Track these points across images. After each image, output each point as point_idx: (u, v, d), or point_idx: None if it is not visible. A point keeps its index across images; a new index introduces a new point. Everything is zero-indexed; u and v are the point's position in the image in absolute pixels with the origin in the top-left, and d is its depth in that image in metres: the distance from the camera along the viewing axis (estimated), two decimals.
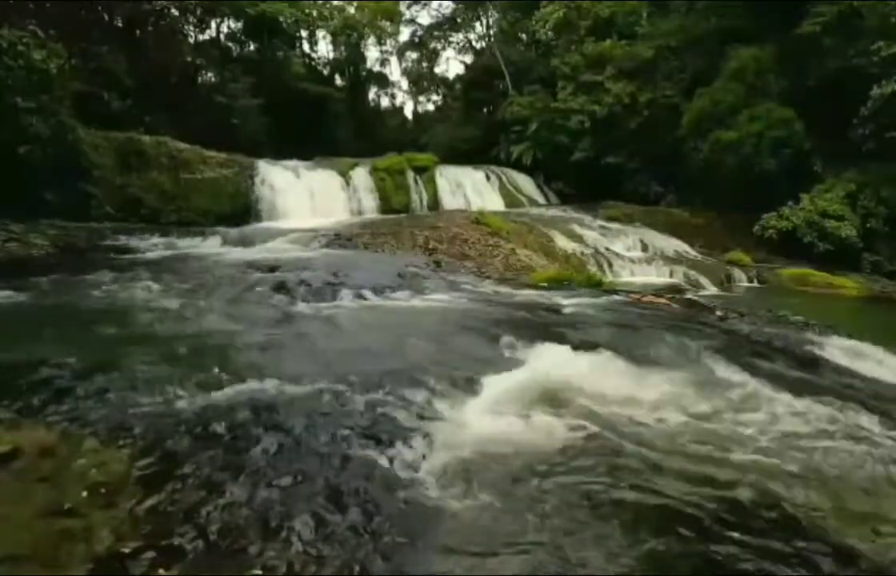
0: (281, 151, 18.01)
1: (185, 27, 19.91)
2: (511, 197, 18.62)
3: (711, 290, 11.16)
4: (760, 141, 14.72)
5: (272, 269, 7.32)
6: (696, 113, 16.47)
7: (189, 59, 19.94)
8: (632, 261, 12.39)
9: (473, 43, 32.31)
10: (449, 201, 17.13)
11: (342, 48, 30.51)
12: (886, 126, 12.94)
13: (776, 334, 5.41)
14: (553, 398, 3.17)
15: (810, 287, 11.64)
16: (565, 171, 20.33)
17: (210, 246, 9.82)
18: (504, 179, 19.43)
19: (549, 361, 3.81)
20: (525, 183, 20.16)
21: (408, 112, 36.02)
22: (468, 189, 17.81)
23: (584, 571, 1.86)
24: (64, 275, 6.32)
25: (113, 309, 5.03)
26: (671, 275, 11.76)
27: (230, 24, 24.45)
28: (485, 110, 26.51)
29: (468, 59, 31.47)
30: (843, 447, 2.87)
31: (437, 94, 35.38)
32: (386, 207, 15.91)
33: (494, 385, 3.36)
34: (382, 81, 34.12)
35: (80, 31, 13.51)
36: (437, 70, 34.99)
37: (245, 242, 10.13)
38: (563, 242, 12.38)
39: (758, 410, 3.24)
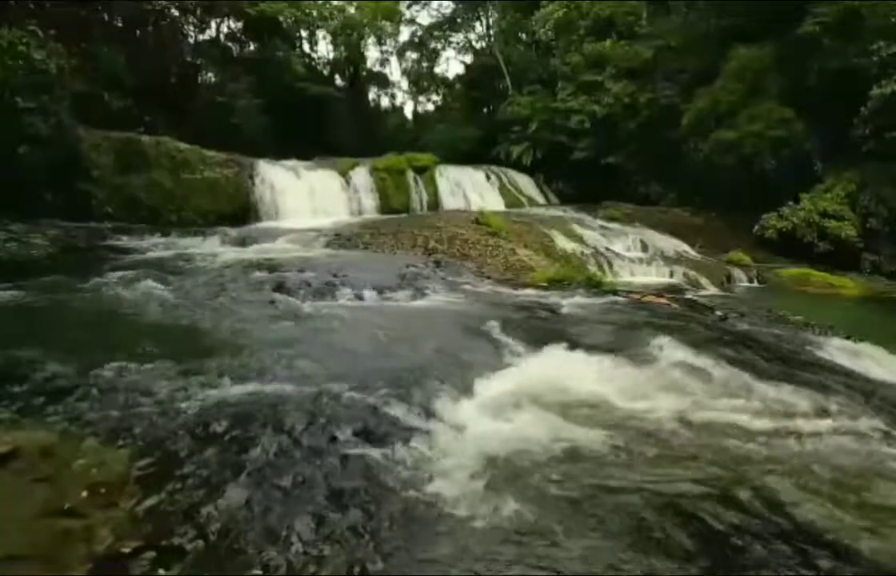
0: (281, 150, 17.99)
1: (185, 27, 19.92)
2: (511, 197, 18.61)
3: (711, 290, 11.15)
4: (760, 141, 14.72)
5: (272, 269, 7.31)
6: (696, 113, 16.46)
7: (189, 59, 19.96)
8: (632, 261, 12.38)
9: (473, 43, 32.24)
10: (449, 201, 17.11)
11: (342, 48, 30.46)
12: (886, 126, 12.92)
13: (776, 334, 5.42)
14: (552, 399, 3.17)
15: (810, 287, 11.63)
16: (565, 171, 20.35)
17: (210, 246, 9.79)
18: (504, 179, 19.42)
19: (549, 362, 3.82)
20: (525, 183, 20.16)
21: (408, 112, 35.92)
22: (468, 189, 17.80)
23: (584, 571, 1.86)
24: (64, 275, 6.31)
25: (113, 309, 5.03)
26: (671, 275, 11.75)
27: (230, 24, 24.41)
28: (485, 110, 26.51)
29: (468, 59, 31.42)
30: (844, 447, 2.87)
31: (437, 94, 35.29)
32: (386, 207, 15.89)
33: (494, 385, 3.36)
34: (382, 81, 34.06)
35: (80, 31, 13.51)
36: (437, 70, 34.89)
37: (245, 241, 10.12)
38: (563, 242, 12.37)
39: (757, 410, 3.25)
